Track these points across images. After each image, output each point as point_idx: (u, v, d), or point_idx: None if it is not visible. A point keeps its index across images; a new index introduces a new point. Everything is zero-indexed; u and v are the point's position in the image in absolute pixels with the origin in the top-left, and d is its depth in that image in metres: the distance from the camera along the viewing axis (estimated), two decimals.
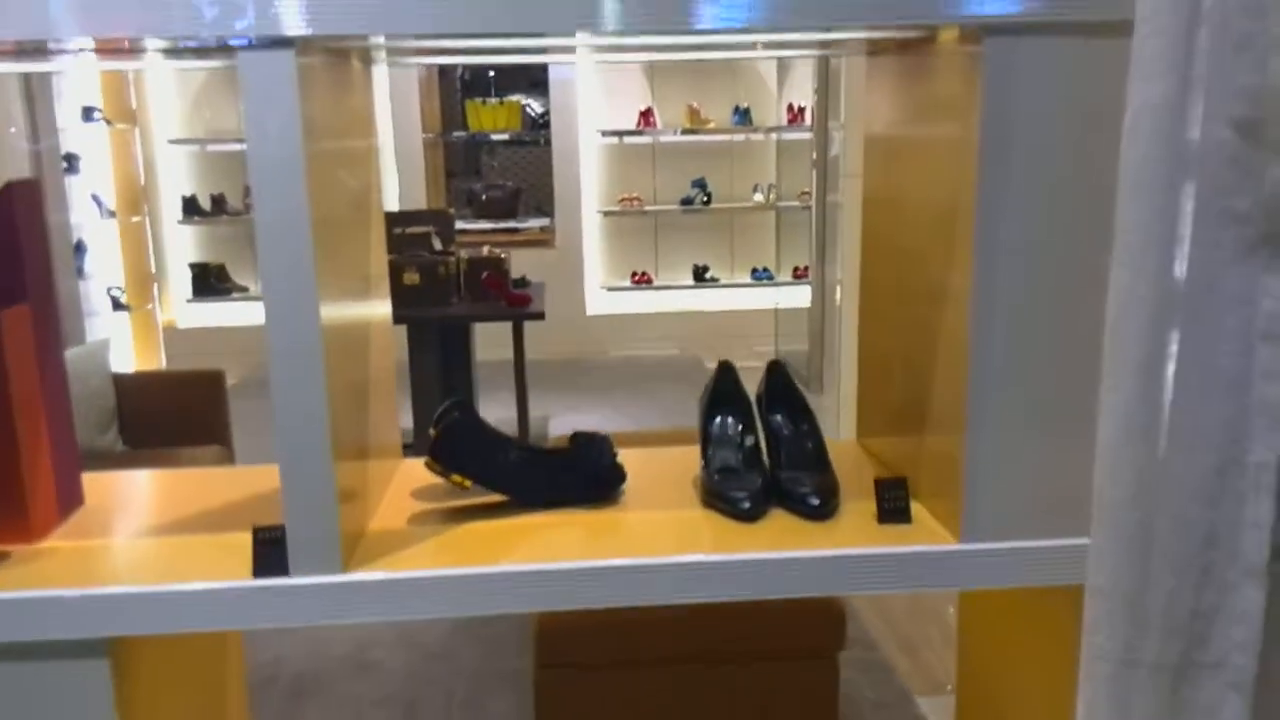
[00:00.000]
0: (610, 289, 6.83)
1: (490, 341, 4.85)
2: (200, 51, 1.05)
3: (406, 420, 4.28)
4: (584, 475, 1.19)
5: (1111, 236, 0.89)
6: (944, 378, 1.09)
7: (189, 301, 6.29)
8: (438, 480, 1.18)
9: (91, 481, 1.28)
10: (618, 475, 1.21)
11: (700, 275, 6.80)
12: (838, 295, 4.65)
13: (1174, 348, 0.86)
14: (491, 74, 7.68)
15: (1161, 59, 0.82)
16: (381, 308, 1.30)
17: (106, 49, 1.06)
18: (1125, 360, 0.88)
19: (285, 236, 0.94)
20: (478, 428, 1.18)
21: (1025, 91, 0.94)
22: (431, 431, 1.19)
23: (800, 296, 5.68)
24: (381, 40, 1.06)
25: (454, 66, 7.18)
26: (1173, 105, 0.82)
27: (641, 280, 6.81)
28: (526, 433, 4.62)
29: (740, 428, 1.22)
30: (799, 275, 6.13)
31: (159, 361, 5.09)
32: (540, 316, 4.37)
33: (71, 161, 4.34)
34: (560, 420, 5.12)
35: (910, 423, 1.19)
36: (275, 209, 0.93)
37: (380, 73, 6.36)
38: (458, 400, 1.21)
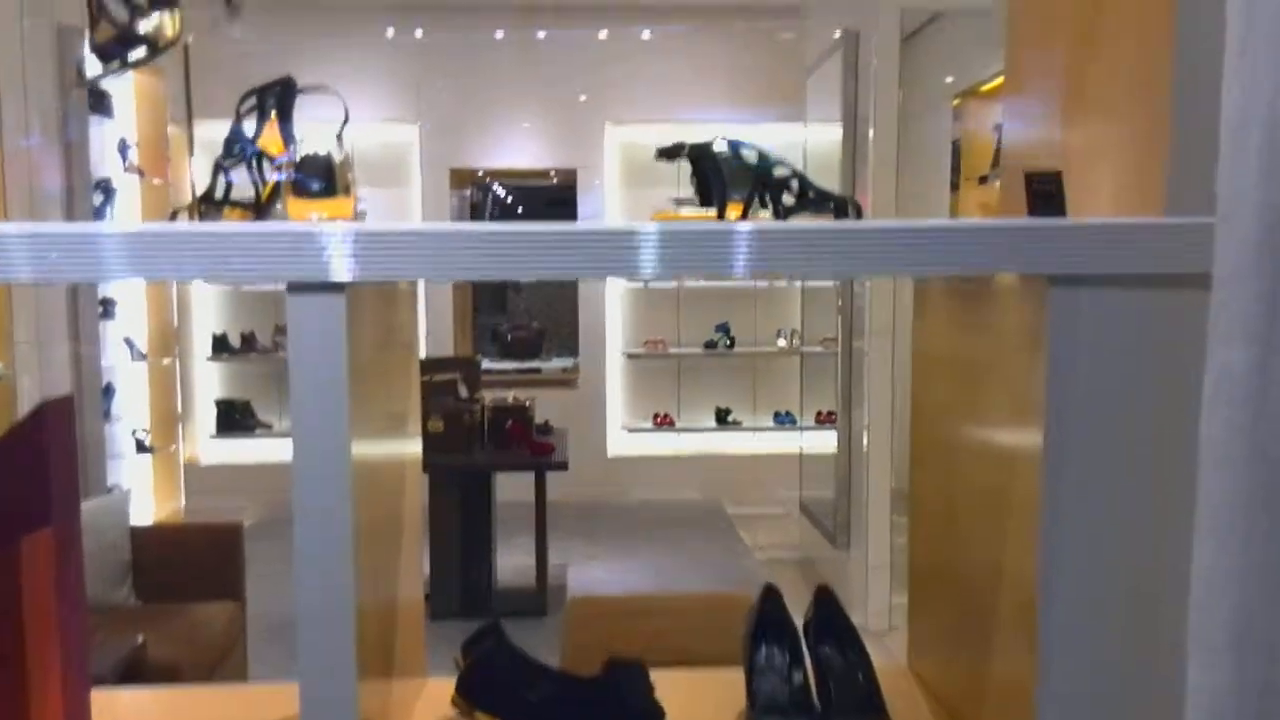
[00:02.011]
0: (632, 430, 6.79)
1: (511, 481, 4.78)
2: None
3: (425, 566, 4.19)
4: (618, 713, 1.11)
5: (1191, 490, 0.84)
6: (1009, 616, 1.02)
7: (213, 438, 6.30)
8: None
9: (101, 702, 1.21)
10: (654, 713, 1.13)
11: (723, 418, 6.76)
12: (864, 442, 4.59)
13: (1265, 626, 0.80)
14: (520, 208, 7.87)
15: (1243, 325, 0.79)
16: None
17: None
18: (1214, 638, 0.81)
19: (326, 469, 0.91)
20: (509, 659, 1.12)
21: (1093, 337, 0.91)
22: (458, 659, 1.13)
23: (824, 442, 5.62)
24: None
25: (483, 208, 7.38)
26: (1257, 372, 0.78)
27: (664, 422, 6.77)
28: (545, 584, 4.51)
29: (788, 660, 1.15)
30: (822, 420, 6.08)
31: (179, 501, 5.05)
32: (563, 467, 4.33)
33: (107, 307, 4.42)
34: (579, 571, 5.00)
35: (970, 656, 1.12)
36: (317, 440, 0.91)
37: (413, 203, 6.52)
38: (492, 625, 1.15)
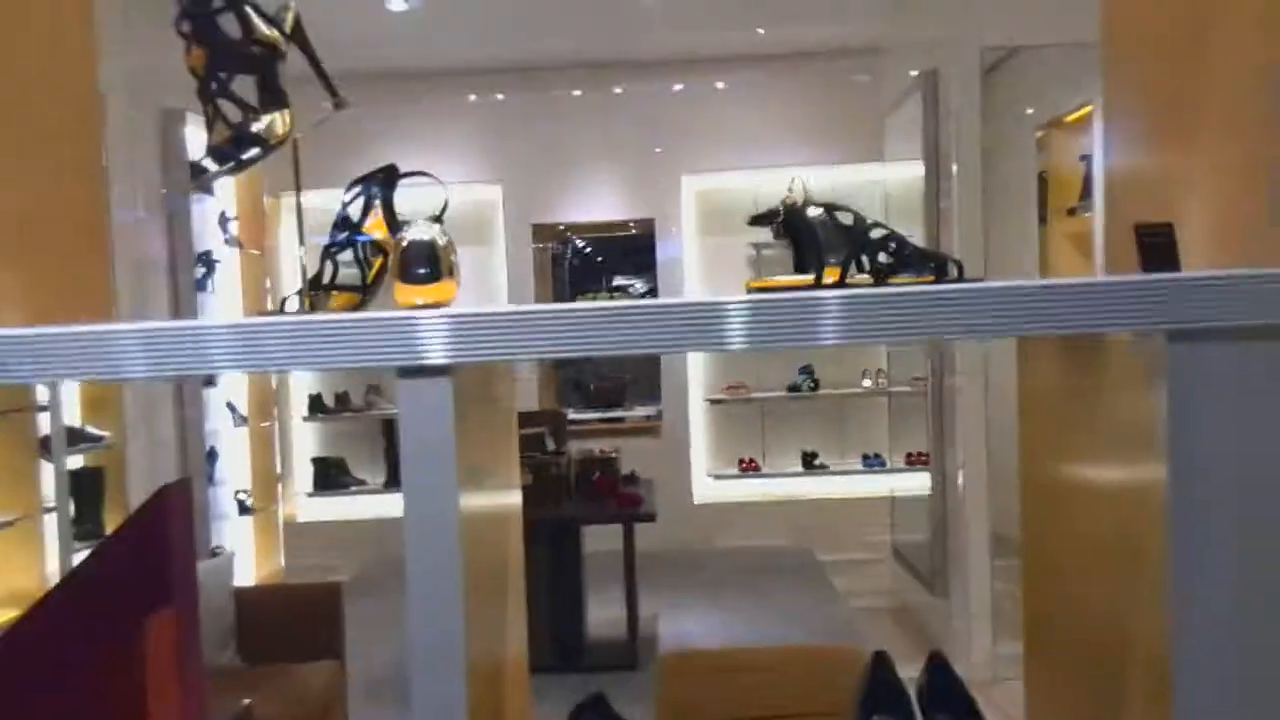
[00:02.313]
0: (717, 477, 6.74)
1: (598, 531, 4.76)
2: None
3: None
4: None
5: None
6: (1138, 677, 0.97)
7: (309, 496, 6.48)
8: None
9: None
10: None
11: (809, 462, 6.67)
12: (960, 484, 4.46)
13: None
14: (600, 259, 7.96)
15: None
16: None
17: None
18: None
19: (437, 542, 0.93)
20: None
21: (1215, 391, 0.87)
22: None
23: (915, 484, 5.48)
24: None
25: (562, 254, 7.51)
26: None
27: (749, 468, 6.71)
28: (636, 637, 4.47)
29: None
30: (913, 461, 5.94)
31: (279, 560, 5.18)
32: (651, 518, 4.32)
33: (210, 376, 4.60)
34: (670, 623, 4.95)
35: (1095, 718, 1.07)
36: (429, 517, 0.92)
37: (498, 260, 6.67)
38: (596, 695, 1.14)
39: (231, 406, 4.79)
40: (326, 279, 1.13)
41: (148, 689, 1.04)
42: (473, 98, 6.54)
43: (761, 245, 6.43)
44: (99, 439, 3.89)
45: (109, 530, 3.99)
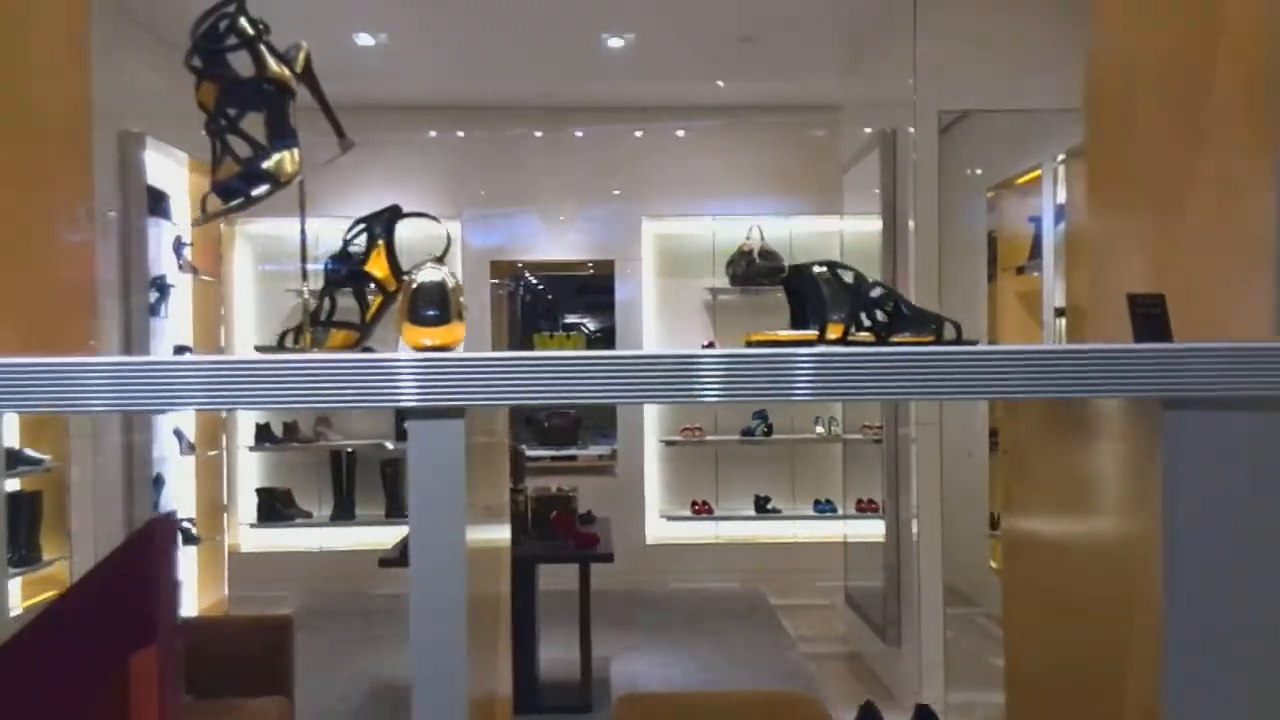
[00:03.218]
0: (670, 518, 6.74)
1: (549, 569, 4.69)
2: None
3: None
4: None
5: None
6: None
7: (253, 526, 6.32)
8: None
9: None
10: None
11: (762, 506, 6.70)
12: (913, 532, 4.51)
13: None
14: (551, 298, 7.97)
15: None
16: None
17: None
18: None
19: (443, 580, 0.92)
20: None
21: (1209, 458, 0.90)
22: None
23: (865, 530, 5.54)
24: None
25: (517, 292, 7.51)
26: None
27: (702, 510, 6.72)
28: (590, 679, 4.42)
29: None
30: (863, 508, 6.00)
31: (223, 590, 5.05)
32: (609, 558, 4.29)
33: None
34: (622, 664, 4.91)
35: None
36: (435, 557, 0.92)
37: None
38: None
39: (179, 434, 4.68)
40: (324, 315, 1.13)
41: None
42: (433, 134, 6.56)
43: (719, 291, 6.51)
44: (39, 462, 3.77)
45: (46, 556, 3.86)
